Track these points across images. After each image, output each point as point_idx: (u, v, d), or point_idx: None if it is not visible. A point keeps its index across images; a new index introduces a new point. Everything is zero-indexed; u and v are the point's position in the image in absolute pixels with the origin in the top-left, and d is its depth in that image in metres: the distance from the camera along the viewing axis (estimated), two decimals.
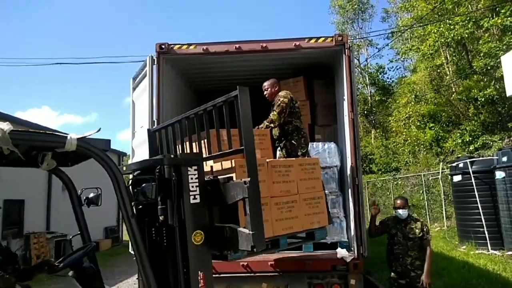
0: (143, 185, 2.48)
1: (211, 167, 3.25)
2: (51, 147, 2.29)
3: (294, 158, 3.89)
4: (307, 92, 5.82)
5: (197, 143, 3.16)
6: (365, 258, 4.44)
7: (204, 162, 2.95)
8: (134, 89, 5.61)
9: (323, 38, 4.79)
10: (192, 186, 2.54)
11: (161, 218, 2.49)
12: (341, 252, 4.45)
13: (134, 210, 2.47)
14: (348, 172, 4.71)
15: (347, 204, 4.85)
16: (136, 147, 5.34)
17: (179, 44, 4.89)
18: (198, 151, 3.12)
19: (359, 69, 26.72)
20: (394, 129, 20.78)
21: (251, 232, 2.40)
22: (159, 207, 2.49)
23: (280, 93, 4.43)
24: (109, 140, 2.58)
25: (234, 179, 2.76)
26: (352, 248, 4.52)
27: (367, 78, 26.35)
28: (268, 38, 4.91)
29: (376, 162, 20.57)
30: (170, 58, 5.06)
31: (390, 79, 27.20)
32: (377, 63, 28.00)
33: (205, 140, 3.15)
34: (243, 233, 2.45)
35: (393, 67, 27.48)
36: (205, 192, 2.60)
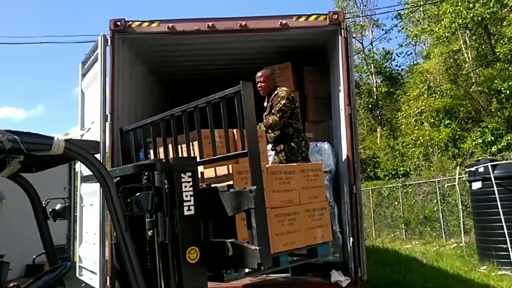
0: (137, 194, 2.53)
1: (202, 173, 3.32)
2: (32, 149, 2.29)
3: (295, 164, 4.02)
4: (296, 81, 5.82)
5: (184, 145, 3.26)
6: (364, 282, 4.46)
7: None
8: (83, 76, 5.55)
9: (314, 16, 4.82)
10: (186, 196, 2.64)
11: (149, 233, 2.57)
12: (336, 275, 4.45)
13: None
14: (345, 178, 4.73)
15: (343, 216, 4.85)
16: None
17: (138, 21, 4.85)
18: (186, 155, 3.24)
19: (363, 55, 26.86)
20: (403, 126, 20.93)
21: (257, 248, 2.50)
22: (147, 220, 2.56)
23: (279, 93, 4.54)
24: (98, 142, 2.63)
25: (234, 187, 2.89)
26: (350, 270, 4.53)
27: (372, 66, 26.51)
28: (249, 15, 4.91)
29: (382, 166, 20.69)
30: (128, 38, 5.03)
31: (399, 67, 27.39)
32: (383, 48, 28.07)
33: (195, 142, 3.24)
34: (248, 249, 2.55)
35: (402, 52, 27.72)
36: (201, 202, 2.70)
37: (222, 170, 3.29)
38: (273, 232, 3.32)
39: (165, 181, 2.60)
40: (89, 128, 2.42)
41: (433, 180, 15.62)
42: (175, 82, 6.82)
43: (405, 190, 17.17)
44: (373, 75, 26.40)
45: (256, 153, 2.77)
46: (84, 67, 5.49)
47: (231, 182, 3.04)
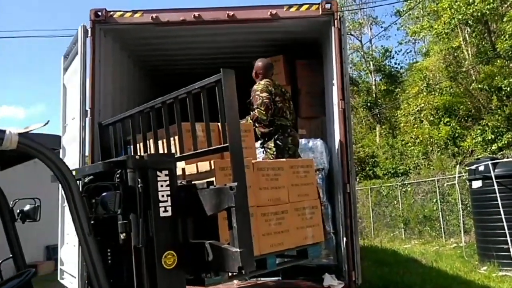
0: (104, 194, 2.38)
1: (183, 169, 3.19)
2: None
3: (284, 159, 3.90)
4: (288, 75, 5.63)
5: (164, 140, 3.11)
6: (358, 286, 4.35)
7: None
8: (65, 70, 5.37)
9: (306, 6, 4.68)
10: (163, 196, 2.48)
11: (122, 236, 2.43)
12: (329, 279, 4.34)
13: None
14: (339, 176, 4.59)
15: (337, 217, 4.70)
16: (67, 143, 5.09)
17: (121, 10, 4.66)
18: (166, 151, 3.08)
19: (362, 53, 26.72)
20: (402, 124, 20.80)
21: (238, 250, 2.33)
22: (119, 222, 2.43)
23: (255, 87, 4.41)
24: (59, 137, 2.49)
25: (215, 184, 2.74)
26: (343, 274, 4.40)
27: (371, 64, 26.38)
28: (237, 5, 4.79)
29: (381, 165, 20.55)
30: (110, 29, 4.86)
31: (399, 64, 27.35)
32: (382, 46, 27.94)
33: (176, 137, 3.10)
34: (228, 251, 2.38)
35: (401, 50, 27.61)
36: (179, 201, 2.55)
37: (204, 166, 3.11)
38: (260, 232, 3.19)
39: (139, 179, 2.43)
40: (48, 121, 2.21)
41: (433, 179, 15.51)
42: (164, 76, 6.61)
43: (404, 189, 17.08)
44: (372, 73, 26.29)
45: (238, 146, 2.57)
46: (66, 61, 5.28)
47: (213, 179, 2.90)
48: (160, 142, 3.19)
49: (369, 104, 24.95)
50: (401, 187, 17.22)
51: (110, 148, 3.69)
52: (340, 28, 4.53)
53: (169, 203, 2.49)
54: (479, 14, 14.96)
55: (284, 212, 3.44)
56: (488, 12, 14.95)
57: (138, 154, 3.33)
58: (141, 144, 3.38)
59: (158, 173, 2.49)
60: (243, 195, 2.43)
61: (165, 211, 2.47)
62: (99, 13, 4.56)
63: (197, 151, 2.96)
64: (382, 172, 20.13)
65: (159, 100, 3.10)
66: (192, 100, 2.92)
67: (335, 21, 4.54)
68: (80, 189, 2.52)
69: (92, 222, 2.67)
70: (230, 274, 2.67)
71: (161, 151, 3.16)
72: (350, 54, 27.45)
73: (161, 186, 2.49)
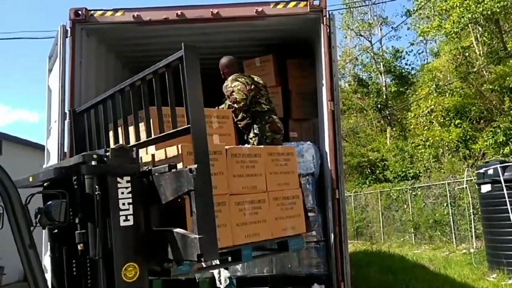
0: (49, 202, 2.31)
1: (153, 155, 3.05)
2: None
3: (261, 146, 3.77)
4: (278, 75, 5.50)
5: (133, 126, 2.95)
6: None
7: (144, 149, 2.92)
8: (50, 71, 5.23)
9: (294, 3, 4.54)
10: (124, 204, 2.35)
11: (80, 247, 2.32)
12: None
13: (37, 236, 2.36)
14: (328, 181, 4.45)
15: (328, 224, 4.53)
16: (51, 147, 4.97)
17: (101, 10, 4.55)
18: (135, 138, 2.93)
19: (372, 54, 26.42)
20: (412, 126, 20.49)
21: (197, 237, 2.19)
22: (77, 232, 2.33)
23: (224, 84, 4.37)
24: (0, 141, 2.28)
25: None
26: (334, 284, 4.28)
27: (381, 65, 26.06)
28: (222, 3, 4.65)
29: (391, 168, 20.26)
30: (94, 29, 4.76)
31: (410, 65, 26.98)
32: (393, 47, 27.57)
33: (144, 122, 2.94)
34: (187, 237, 2.25)
35: (412, 50, 27.21)
36: (142, 206, 2.43)
37: (172, 151, 2.92)
38: (233, 222, 3.08)
39: (96, 186, 2.29)
40: None
41: (443, 182, 15.20)
42: None
43: (414, 193, 16.79)
44: (383, 74, 25.96)
45: (200, 127, 2.41)
46: (50, 62, 5.17)
47: (180, 164, 2.73)
48: (130, 129, 3.02)
49: (379, 105, 24.67)
50: (411, 191, 16.95)
51: (83, 137, 3.47)
52: (329, 25, 4.38)
53: (130, 211, 2.36)
54: (489, 12, 14.62)
55: (261, 201, 3.29)
56: (498, 10, 14.62)
57: (114, 142, 3.11)
58: (112, 131, 3.19)
59: (119, 179, 2.35)
60: (204, 178, 2.29)
61: (126, 220, 2.35)
62: (79, 12, 4.46)
63: (156, 136, 2.79)
64: (392, 176, 19.86)
65: (126, 82, 2.93)
66: (160, 83, 2.75)
67: (324, 18, 4.39)
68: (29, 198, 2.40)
69: (56, 231, 2.57)
70: (198, 265, 2.55)
71: (131, 138, 2.99)
72: (359, 55, 27.23)
73: (122, 193, 2.36)
